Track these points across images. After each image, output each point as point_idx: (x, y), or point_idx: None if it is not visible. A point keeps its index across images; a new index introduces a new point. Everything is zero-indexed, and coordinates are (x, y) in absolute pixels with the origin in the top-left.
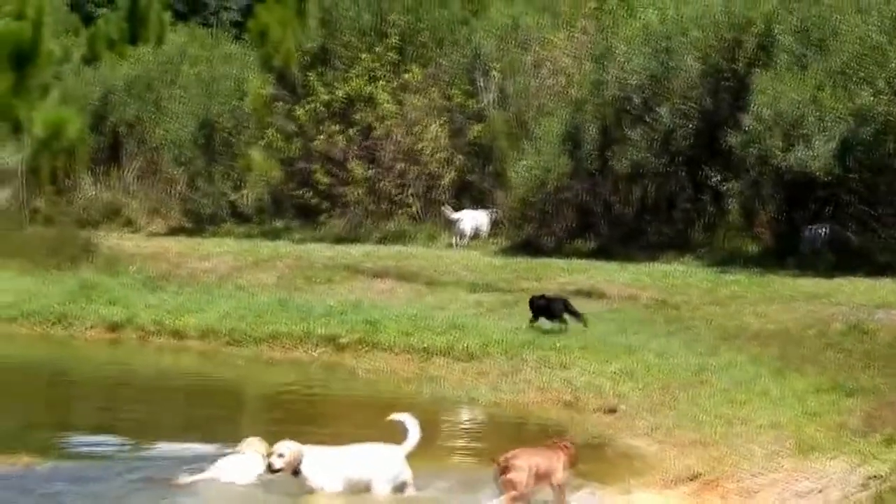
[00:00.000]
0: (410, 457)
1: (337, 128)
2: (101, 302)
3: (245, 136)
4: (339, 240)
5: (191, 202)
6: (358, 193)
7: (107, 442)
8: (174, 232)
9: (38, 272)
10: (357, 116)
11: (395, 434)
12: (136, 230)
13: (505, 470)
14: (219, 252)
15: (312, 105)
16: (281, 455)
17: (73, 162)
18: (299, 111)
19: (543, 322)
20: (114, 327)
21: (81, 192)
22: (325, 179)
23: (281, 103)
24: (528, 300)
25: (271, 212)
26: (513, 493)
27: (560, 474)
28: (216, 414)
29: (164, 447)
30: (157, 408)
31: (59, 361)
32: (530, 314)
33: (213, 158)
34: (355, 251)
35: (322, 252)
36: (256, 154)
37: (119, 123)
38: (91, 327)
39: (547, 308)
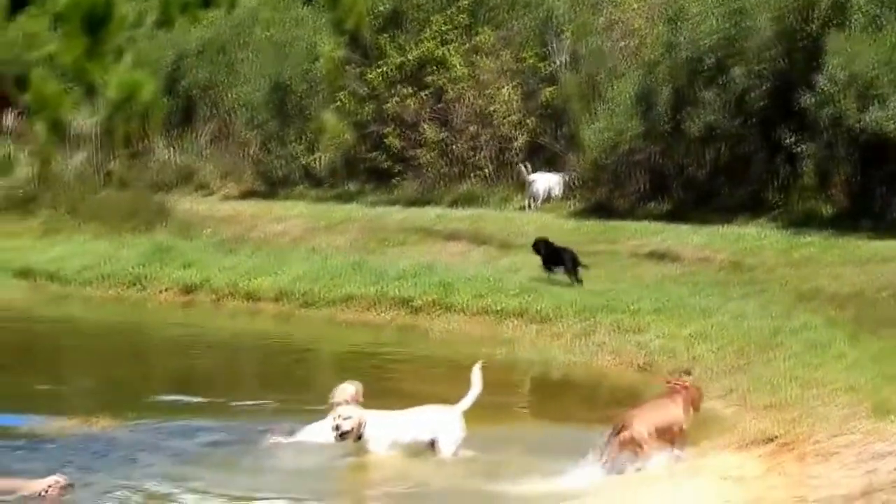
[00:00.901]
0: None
1: (409, 90)
2: (175, 265)
3: (317, 99)
4: (411, 202)
5: (264, 165)
6: (430, 156)
7: (183, 403)
8: (247, 195)
9: (113, 235)
10: (429, 79)
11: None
12: (210, 193)
13: (623, 429)
14: (292, 215)
15: (384, 68)
16: (348, 418)
17: (147, 125)
18: (371, 74)
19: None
20: (188, 290)
21: (155, 156)
22: (398, 142)
23: (353, 66)
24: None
25: (344, 175)
26: (636, 451)
27: (682, 422)
28: (291, 375)
29: (240, 407)
30: (231, 369)
31: (134, 324)
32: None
33: (286, 121)
34: (428, 214)
35: (395, 215)
36: (329, 117)
37: (192, 87)
38: (165, 290)
39: (554, 257)
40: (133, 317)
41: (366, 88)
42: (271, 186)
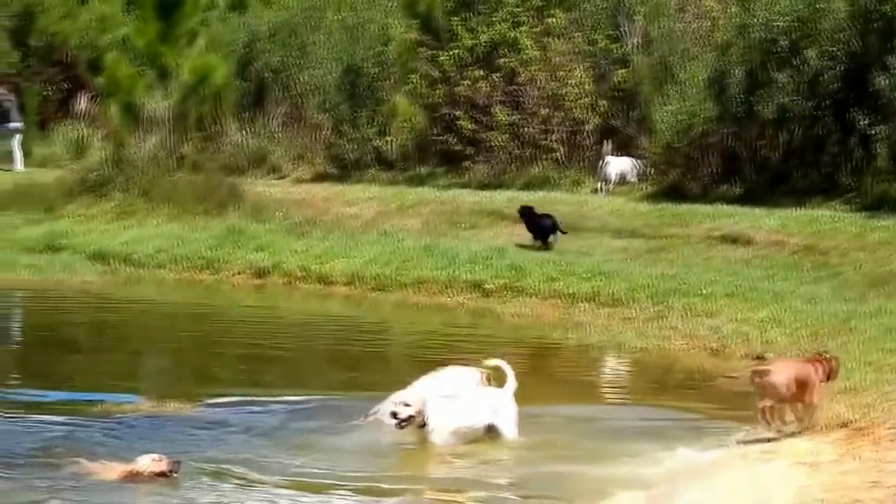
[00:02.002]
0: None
1: (480, 73)
2: (248, 248)
3: (389, 82)
4: (483, 185)
5: (336, 148)
6: (502, 139)
7: (256, 383)
8: (319, 178)
9: (187, 218)
10: (501, 61)
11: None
12: (282, 176)
13: (763, 374)
14: (364, 198)
15: (456, 50)
16: (407, 405)
17: (220, 108)
18: (443, 57)
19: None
20: (261, 273)
21: (228, 139)
22: (469, 125)
23: (425, 49)
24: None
25: (415, 158)
26: (771, 398)
27: (816, 385)
28: (363, 356)
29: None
30: (304, 351)
31: (207, 306)
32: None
33: (358, 104)
34: (499, 197)
35: (466, 198)
36: (401, 100)
37: (264, 70)
38: (238, 273)
39: (536, 223)
40: (206, 299)
41: (437, 71)
42: (343, 169)
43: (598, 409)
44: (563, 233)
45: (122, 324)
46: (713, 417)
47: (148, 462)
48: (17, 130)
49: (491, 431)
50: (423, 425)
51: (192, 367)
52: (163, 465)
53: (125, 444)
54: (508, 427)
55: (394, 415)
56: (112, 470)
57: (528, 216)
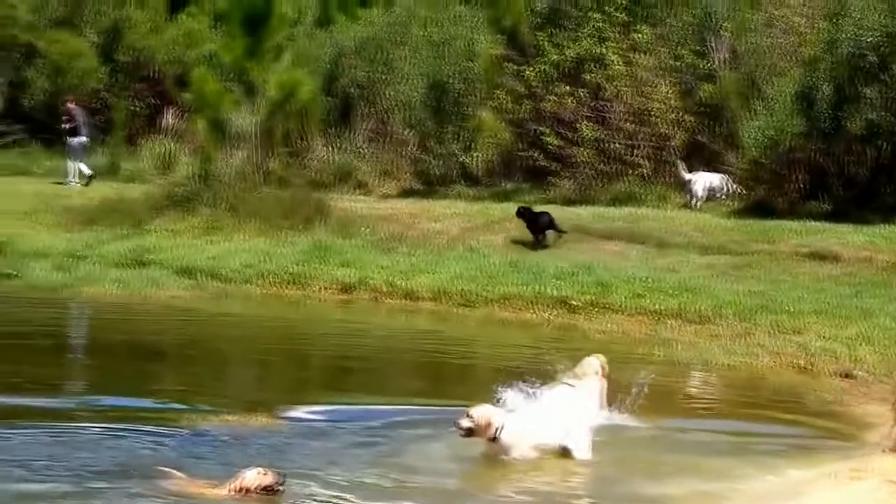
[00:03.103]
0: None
1: (566, 88)
2: (334, 263)
3: (475, 98)
4: (568, 201)
5: (421, 164)
6: (587, 154)
7: (342, 399)
8: (405, 194)
9: (273, 233)
10: (586, 77)
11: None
12: (368, 192)
13: None
14: (450, 214)
15: (542, 66)
16: (470, 416)
17: (306, 124)
18: (529, 72)
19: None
20: (347, 288)
21: (314, 154)
22: (555, 141)
23: (510, 64)
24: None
25: (501, 173)
26: None
27: None
28: (449, 371)
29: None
30: (390, 366)
31: (294, 321)
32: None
33: (443, 120)
34: (585, 213)
35: (552, 213)
36: (486, 115)
37: (350, 85)
38: (324, 288)
39: (533, 221)
40: (292, 314)
41: (523, 86)
42: (429, 185)
43: (683, 424)
44: (563, 231)
45: (209, 338)
46: (802, 435)
47: (254, 476)
48: (83, 145)
49: (564, 451)
50: (493, 439)
51: (279, 380)
52: (269, 479)
53: (215, 457)
54: (580, 448)
55: (456, 425)
56: (212, 486)
57: (528, 216)
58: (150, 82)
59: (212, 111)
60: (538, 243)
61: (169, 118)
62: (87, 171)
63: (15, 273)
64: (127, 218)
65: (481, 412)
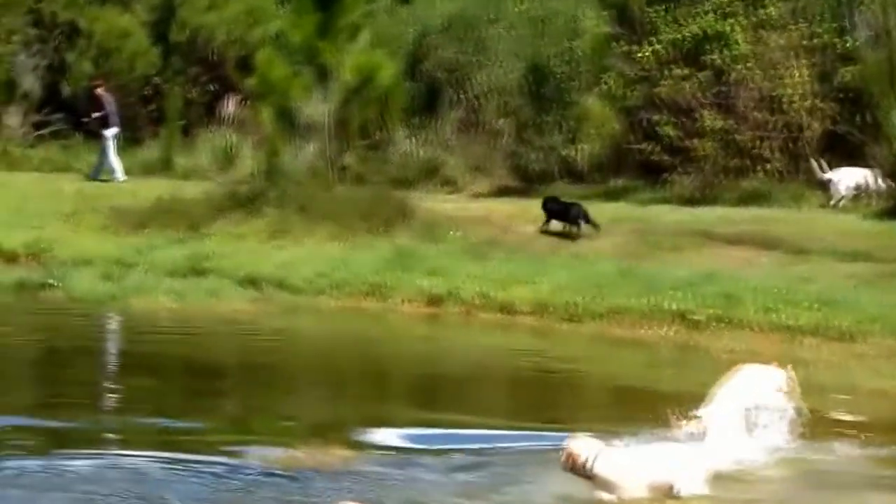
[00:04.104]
0: None
1: (685, 71)
2: (418, 271)
3: (579, 82)
4: (688, 201)
5: (518, 158)
6: (709, 147)
7: (430, 430)
8: (500, 192)
9: (348, 238)
10: (708, 58)
11: None
12: (457, 190)
13: None
14: None
15: (656, 45)
16: (566, 452)
17: (386, 113)
18: (641, 53)
19: (555, 224)
20: (433, 300)
21: (395, 148)
22: (672, 131)
23: (620, 44)
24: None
25: (610, 169)
26: None
27: None
28: (551, 397)
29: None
30: (484, 391)
31: (372, 339)
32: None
33: (543, 108)
34: (707, 214)
35: (669, 215)
36: (592, 103)
37: (436, 69)
38: (408, 300)
39: (564, 212)
40: (371, 331)
41: (635, 69)
42: (527, 182)
43: (827, 458)
44: (597, 226)
45: (276, 357)
46: None
47: None
48: (114, 137)
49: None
50: (588, 474)
51: (359, 405)
52: None
53: (299, 493)
54: (690, 486)
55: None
56: None
57: (556, 207)
58: (208, 66)
59: (279, 98)
60: (577, 230)
61: (230, 106)
62: (120, 176)
63: (55, 283)
64: (182, 220)
65: (572, 443)
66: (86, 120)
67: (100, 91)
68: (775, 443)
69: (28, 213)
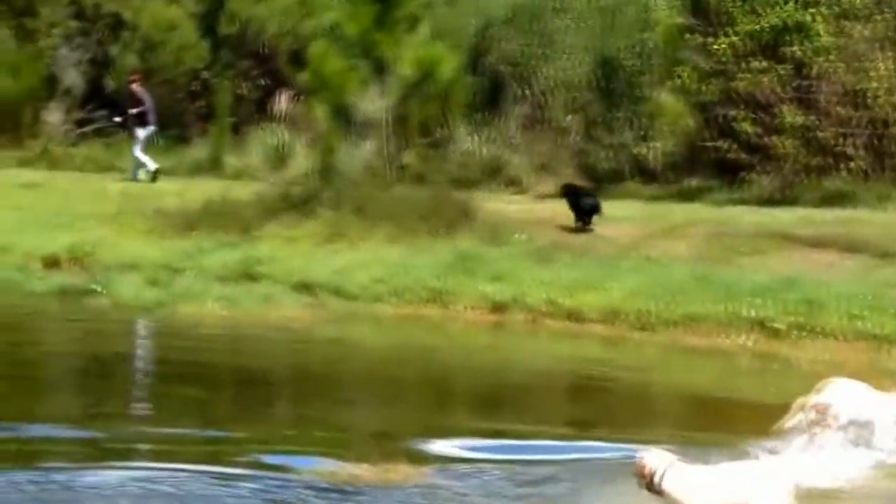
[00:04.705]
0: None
1: (763, 64)
2: (482, 277)
3: (651, 77)
4: (767, 201)
5: (586, 157)
6: (790, 145)
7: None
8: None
9: (408, 241)
10: (788, 50)
11: None
12: (522, 191)
13: None
14: (622, 217)
15: (733, 37)
16: (637, 464)
17: (447, 109)
18: (717, 45)
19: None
20: (498, 307)
21: (457, 146)
22: (750, 128)
23: (695, 35)
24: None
25: (684, 168)
26: None
27: None
28: (623, 411)
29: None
30: (551, 404)
31: (432, 348)
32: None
33: (613, 103)
34: (787, 215)
35: (747, 216)
36: (665, 98)
37: (499, 62)
38: (471, 307)
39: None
40: (431, 339)
41: (710, 62)
42: (596, 182)
43: None
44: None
45: (332, 367)
46: None
47: None
48: (150, 135)
49: None
50: (656, 489)
51: (420, 417)
52: None
53: None
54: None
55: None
56: None
57: (573, 196)
58: (259, 60)
59: (333, 94)
60: (584, 226)
61: (282, 102)
62: (151, 165)
63: (100, 289)
64: (232, 223)
65: (643, 456)
66: (118, 120)
67: (135, 87)
68: (876, 457)
69: (70, 215)
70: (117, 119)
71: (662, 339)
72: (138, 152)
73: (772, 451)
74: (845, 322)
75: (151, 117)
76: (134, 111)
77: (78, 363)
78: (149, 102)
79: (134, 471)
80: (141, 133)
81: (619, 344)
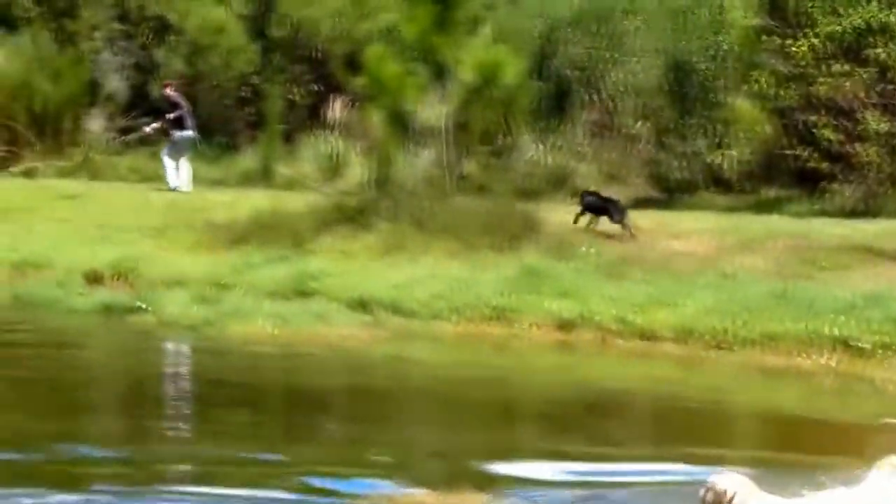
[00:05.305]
0: None
1: (845, 68)
2: (548, 293)
3: (726, 81)
4: (849, 213)
5: (658, 166)
6: (873, 153)
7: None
8: (638, 204)
9: (469, 255)
10: (871, 53)
11: None
12: None
13: None
14: (696, 229)
15: (813, 40)
16: (708, 488)
17: (510, 115)
18: (796, 47)
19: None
20: (565, 325)
21: (520, 154)
22: (831, 135)
23: (773, 37)
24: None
25: (762, 177)
26: None
27: None
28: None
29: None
30: (621, 429)
31: (496, 369)
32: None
33: (686, 109)
34: (871, 227)
35: (828, 229)
36: (741, 103)
37: (566, 66)
38: (536, 325)
39: (604, 208)
40: (494, 359)
41: (789, 66)
42: (668, 193)
43: None
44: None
45: (390, 387)
46: None
47: None
48: (191, 141)
49: None
50: None
51: (485, 442)
52: None
53: None
54: None
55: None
56: None
57: (594, 203)
58: (312, 64)
59: (390, 100)
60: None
61: (336, 109)
62: (173, 181)
63: (144, 306)
64: (284, 236)
65: (716, 479)
66: (148, 131)
67: (169, 91)
68: None
69: (113, 227)
70: (151, 127)
71: (739, 358)
72: (168, 161)
73: (855, 480)
74: None
75: (190, 122)
76: (171, 116)
77: (122, 383)
78: (186, 107)
79: (178, 494)
80: (179, 137)
81: (694, 364)
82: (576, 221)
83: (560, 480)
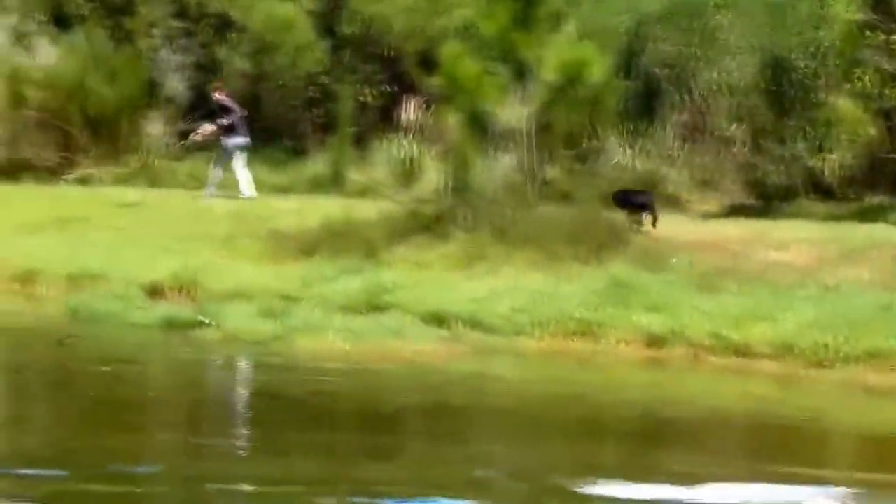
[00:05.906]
0: None
1: None
2: (637, 307)
3: (827, 79)
4: None
5: (754, 171)
6: None
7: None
8: (733, 211)
9: (552, 266)
10: None
11: None
12: (681, 209)
13: None
14: (795, 239)
15: None
16: None
17: (596, 117)
18: None
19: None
20: (654, 341)
21: (607, 159)
22: None
23: (877, 33)
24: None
25: (865, 183)
26: None
27: None
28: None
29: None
30: (711, 444)
31: (581, 386)
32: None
33: (784, 110)
34: None
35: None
36: (843, 104)
37: (655, 64)
38: (624, 341)
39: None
40: (580, 375)
41: (894, 63)
42: (765, 200)
43: None
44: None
45: (469, 405)
46: None
47: None
48: (243, 147)
49: None
50: None
51: (570, 461)
52: None
53: None
54: None
55: None
56: None
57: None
58: (384, 63)
59: (468, 101)
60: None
61: (410, 111)
62: (211, 189)
63: (208, 321)
64: (356, 246)
65: (814, 501)
66: (199, 138)
67: (219, 95)
68: None
69: (173, 237)
70: (201, 133)
71: (840, 376)
72: (216, 169)
73: None
74: None
75: (242, 129)
76: (224, 122)
77: (185, 401)
78: (238, 111)
79: None
80: (231, 143)
81: (792, 382)
82: (638, 224)
83: (647, 500)
